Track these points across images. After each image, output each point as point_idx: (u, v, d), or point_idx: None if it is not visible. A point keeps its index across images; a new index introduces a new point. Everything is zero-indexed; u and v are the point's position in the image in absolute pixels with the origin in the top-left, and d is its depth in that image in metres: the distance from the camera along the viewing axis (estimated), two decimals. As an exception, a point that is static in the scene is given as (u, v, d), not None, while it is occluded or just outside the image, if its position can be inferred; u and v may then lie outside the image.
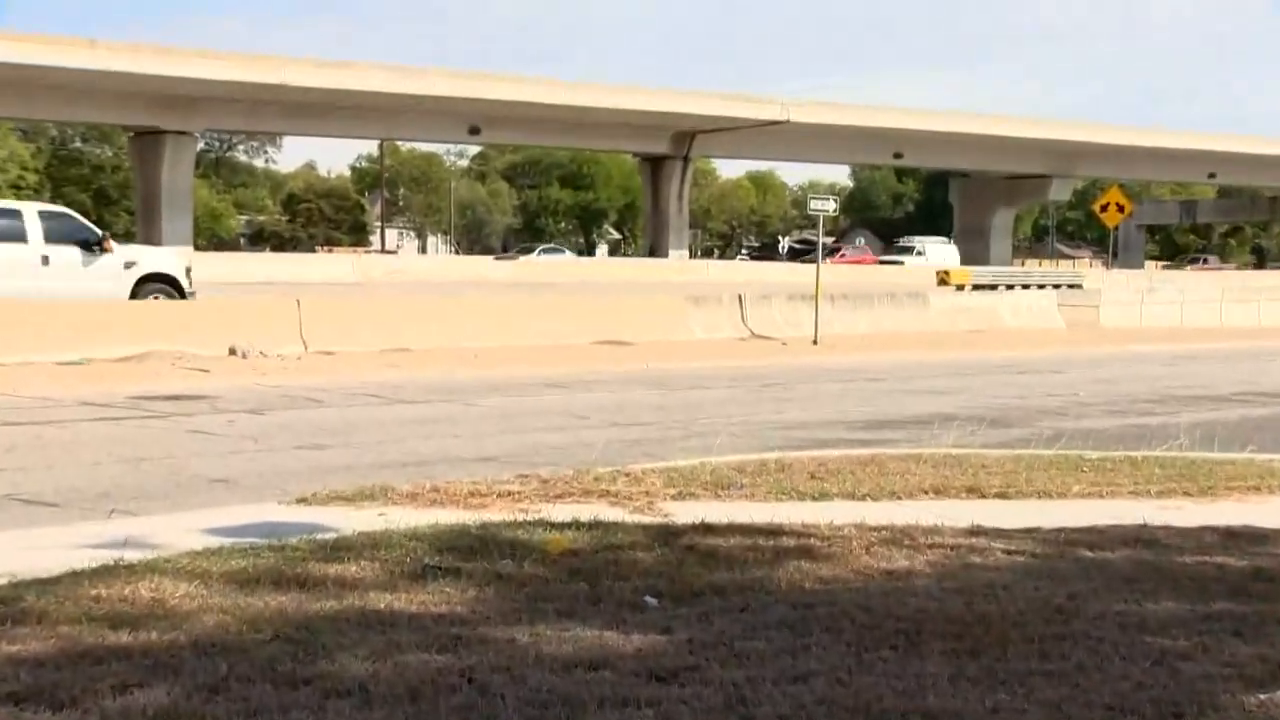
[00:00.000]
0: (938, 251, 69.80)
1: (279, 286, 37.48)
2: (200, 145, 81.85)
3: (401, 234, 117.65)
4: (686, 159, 76.60)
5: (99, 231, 23.19)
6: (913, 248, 73.44)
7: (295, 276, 44.54)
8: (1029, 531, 8.30)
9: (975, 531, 8.26)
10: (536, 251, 74.88)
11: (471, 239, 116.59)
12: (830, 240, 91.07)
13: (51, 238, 22.26)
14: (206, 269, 45.97)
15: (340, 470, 11.03)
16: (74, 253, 22.35)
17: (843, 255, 74.15)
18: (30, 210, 22.91)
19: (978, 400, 18.16)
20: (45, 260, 22.10)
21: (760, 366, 23.16)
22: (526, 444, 12.94)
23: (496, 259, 65.76)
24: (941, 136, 75.01)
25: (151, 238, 61.81)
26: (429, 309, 24.70)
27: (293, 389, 17.68)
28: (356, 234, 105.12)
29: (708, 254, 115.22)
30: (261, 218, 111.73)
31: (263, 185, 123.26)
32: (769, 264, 63.38)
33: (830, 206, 27.77)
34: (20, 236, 22.01)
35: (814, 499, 9.32)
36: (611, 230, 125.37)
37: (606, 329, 25.38)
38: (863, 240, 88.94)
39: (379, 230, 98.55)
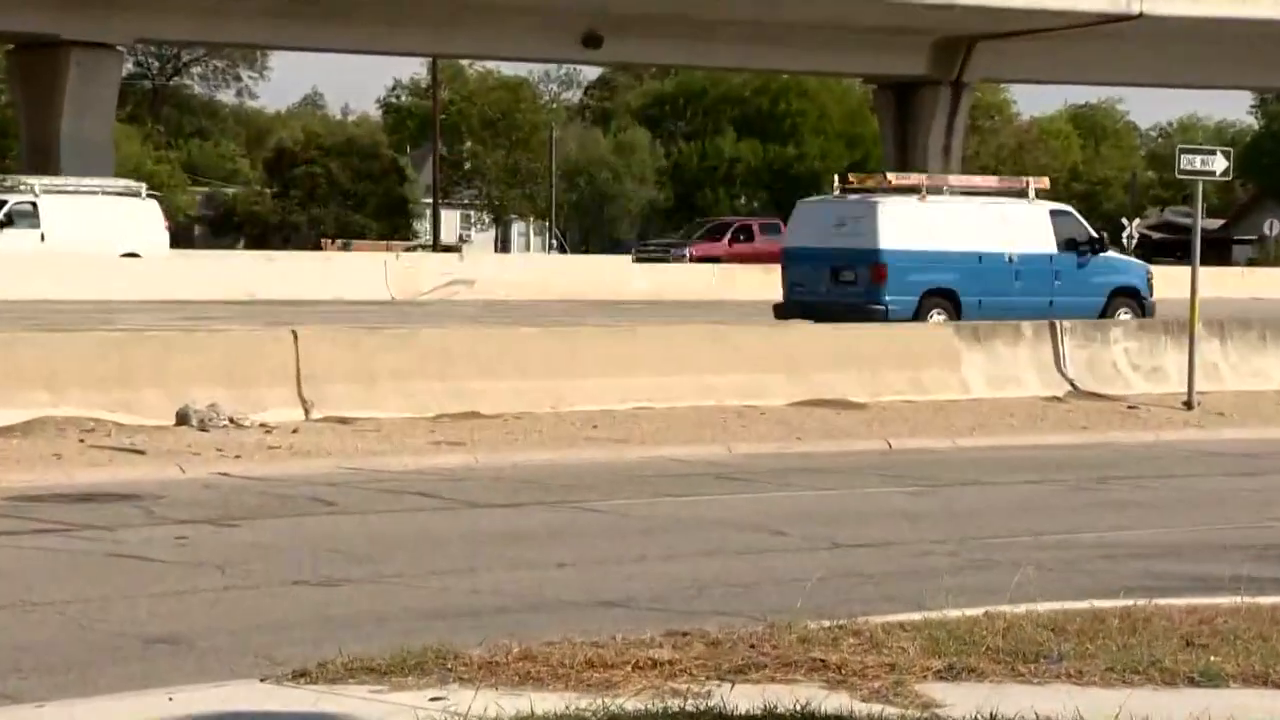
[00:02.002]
0: None
1: (261, 308, 38.12)
2: (128, 67, 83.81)
3: (468, 218, 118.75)
4: (959, 84, 76.56)
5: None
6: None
7: (288, 291, 45.26)
8: None
9: None
10: None
11: (587, 225, 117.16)
12: (1219, 222, 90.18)
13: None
14: (131, 277, 47.02)
15: (366, 622, 11.18)
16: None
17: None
18: None
19: None
20: None
21: (1089, 446, 22.98)
22: (682, 578, 12.97)
23: (636, 258, 64.26)
24: None
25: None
26: (513, 347, 24.87)
27: (285, 481, 17.90)
28: (391, 217, 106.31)
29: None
30: (231, 189, 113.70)
31: (233, 136, 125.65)
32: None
33: (1217, 166, 27.51)
34: None
35: (1192, 682, 9.23)
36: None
37: (819, 381, 25.35)
38: (1275, 223, 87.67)
39: (429, 211, 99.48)
